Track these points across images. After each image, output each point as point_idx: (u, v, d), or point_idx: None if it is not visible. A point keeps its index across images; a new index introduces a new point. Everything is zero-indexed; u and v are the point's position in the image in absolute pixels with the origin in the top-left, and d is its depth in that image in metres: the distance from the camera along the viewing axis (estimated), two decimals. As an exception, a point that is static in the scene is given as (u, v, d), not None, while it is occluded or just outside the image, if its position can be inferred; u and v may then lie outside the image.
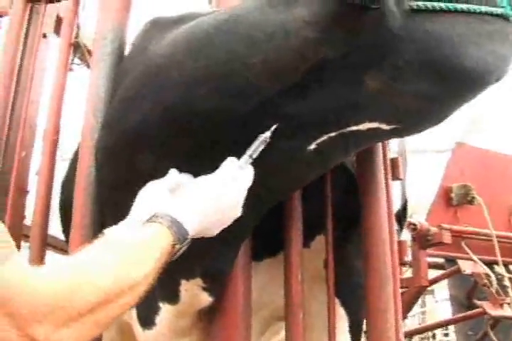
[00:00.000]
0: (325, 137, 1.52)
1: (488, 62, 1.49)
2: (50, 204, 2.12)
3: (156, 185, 1.42)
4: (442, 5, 1.44)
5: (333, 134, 1.52)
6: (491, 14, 1.51)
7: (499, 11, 1.53)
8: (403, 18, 1.32)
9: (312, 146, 1.52)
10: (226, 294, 1.64)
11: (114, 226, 1.35)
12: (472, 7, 1.47)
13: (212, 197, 1.36)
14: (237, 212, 1.41)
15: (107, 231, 1.34)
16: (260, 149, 1.44)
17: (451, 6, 1.44)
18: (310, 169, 1.60)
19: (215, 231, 1.40)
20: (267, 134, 1.44)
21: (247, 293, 1.66)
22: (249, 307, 1.66)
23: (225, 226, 1.41)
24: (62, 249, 2.58)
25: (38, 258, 2.02)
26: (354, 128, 1.52)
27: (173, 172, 1.44)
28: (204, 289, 1.66)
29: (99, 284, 1.09)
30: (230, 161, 1.41)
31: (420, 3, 1.41)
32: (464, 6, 1.46)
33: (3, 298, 1.00)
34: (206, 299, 1.67)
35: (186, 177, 1.44)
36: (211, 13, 1.55)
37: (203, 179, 1.39)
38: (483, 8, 1.49)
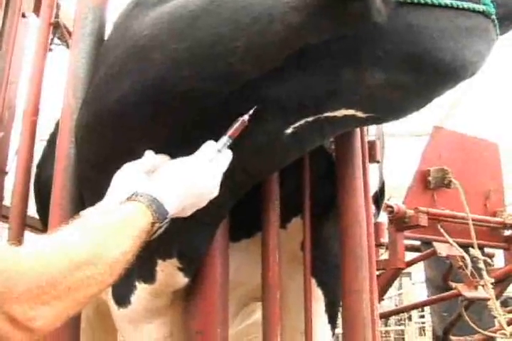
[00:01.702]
0: (302, 121, 1.54)
1: (466, 57, 1.53)
2: (29, 186, 2.13)
3: (132, 166, 1.43)
4: None
5: (310, 119, 1.54)
6: (473, 10, 1.53)
7: (481, 8, 1.55)
8: (387, 10, 1.33)
9: (289, 130, 1.54)
10: (204, 274, 1.66)
11: (90, 208, 1.36)
12: (455, 2, 1.50)
13: (188, 179, 1.37)
14: (213, 194, 1.43)
15: (83, 212, 1.35)
16: (238, 131, 1.45)
17: (435, 0, 1.46)
18: (287, 152, 1.62)
19: (188, 212, 1.42)
20: (245, 117, 1.45)
21: (225, 273, 1.68)
22: (227, 287, 1.68)
23: (200, 207, 1.42)
24: (41, 229, 2.58)
25: (17, 239, 2.02)
26: (330, 114, 1.55)
27: (149, 153, 1.46)
28: (180, 269, 1.67)
29: (77, 262, 1.09)
30: (209, 144, 1.42)
31: None
32: (448, 1, 1.49)
33: None
34: (181, 279, 1.69)
35: (163, 159, 1.46)
36: None
37: (180, 160, 1.41)
38: (466, 4, 1.52)
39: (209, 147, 1.42)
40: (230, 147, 1.46)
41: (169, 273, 1.67)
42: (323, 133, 1.65)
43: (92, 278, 1.11)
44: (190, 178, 1.37)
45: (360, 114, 1.58)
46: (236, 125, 1.45)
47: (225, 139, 1.44)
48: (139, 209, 1.25)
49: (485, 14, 1.57)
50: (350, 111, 1.56)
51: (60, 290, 1.05)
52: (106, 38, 1.83)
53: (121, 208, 1.26)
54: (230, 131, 1.45)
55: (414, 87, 1.54)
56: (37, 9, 2.57)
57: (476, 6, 1.55)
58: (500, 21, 1.63)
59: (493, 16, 1.60)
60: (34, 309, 1.02)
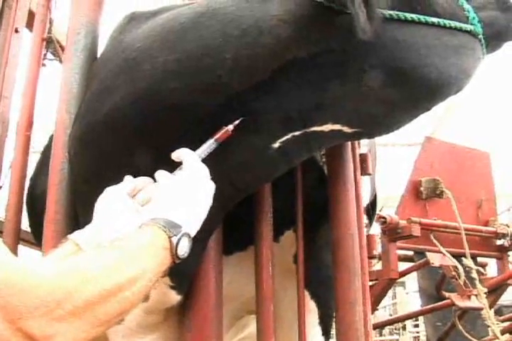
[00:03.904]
0: (289, 136, 1.55)
1: (451, 74, 1.55)
2: (22, 200, 2.13)
3: (113, 190, 1.43)
4: (414, 16, 1.48)
5: (296, 133, 1.55)
6: (460, 29, 1.56)
7: (469, 27, 1.58)
8: (372, 27, 1.34)
9: (276, 145, 1.55)
10: (198, 288, 1.65)
11: (79, 231, 1.37)
12: (443, 21, 1.52)
13: (187, 193, 1.37)
14: (210, 202, 1.42)
15: (72, 235, 1.36)
16: (220, 140, 1.46)
17: (422, 18, 1.49)
18: (273, 167, 1.63)
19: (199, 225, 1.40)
20: (230, 126, 1.46)
21: (219, 287, 1.68)
22: (221, 300, 1.68)
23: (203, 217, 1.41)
24: (35, 243, 2.57)
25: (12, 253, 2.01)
26: (317, 128, 1.56)
27: (128, 178, 1.46)
28: (172, 287, 1.66)
29: (95, 279, 1.06)
30: (187, 152, 1.42)
31: (392, 13, 1.45)
32: (435, 20, 1.51)
33: None
34: (174, 297, 1.68)
35: (143, 181, 1.47)
36: (186, 5, 1.57)
37: (173, 178, 1.40)
38: (453, 23, 1.54)
39: (191, 156, 1.42)
40: (216, 159, 1.46)
41: (161, 291, 1.65)
42: (310, 148, 1.66)
43: (112, 297, 1.08)
44: (189, 191, 1.37)
45: (346, 129, 1.59)
46: (219, 134, 1.46)
47: (205, 146, 1.45)
48: (151, 230, 1.24)
49: (472, 34, 1.60)
50: (337, 126, 1.58)
51: (79, 308, 1.02)
52: (99, 52, 1.85)
53: (135, 234, 1.25)
54: (212, 140, 1.46)
55: (400, 102, 1.56)
56: (30, 24, 2.58)
57: (464, 26, 1.57)
58: (488, 41, 1.65)
59: (480, 36, 1.62)
60: (51, 325, 0.98)
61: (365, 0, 1.31)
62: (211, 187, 1.43)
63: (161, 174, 1.42)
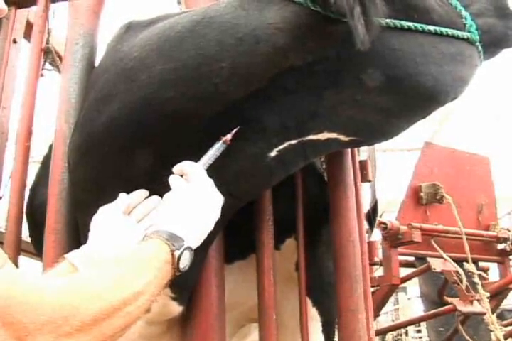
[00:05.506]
0: (286, 144, 1.55)
1: (447, 82, 1.55)
2: (23, 211, 2.12)
3: (108, 209, 1.43)
4: (411, 24, 1.48)
5: (293, 142, 1.56)
6: (457, 37, 1.56)
7: (466, 35, 1.58)
8: (372, 36, 1.33)
9: (273, 153, 1.55)
10: (200, 297, 1.65)
11: (76, 250, 1.36)
12: (439, 29, 1.52)
13: (193, 205, 1.37)
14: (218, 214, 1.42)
15: (68, 255, 1.35)
16: (220, 151, 1.46)
17: (419, 26, 1.48)
18: (271, 175, 1.62)
19: (203, 237, 1.40)
20: (228, 136, 1.46)
21: (221, 296, 1.67)
22: (223, 309, 1.68)
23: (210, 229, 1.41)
24: (36, 254, 2.57)
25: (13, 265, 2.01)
26: (313, 137, 1.56)
27: (122, 195, 1.46)
28: (173, 299, 1.65)
29: (101, 295, 1.07)
30: (190, 164, 1.42)
31: (389, 21, 1.44)
32: (432, 28, 1.51)
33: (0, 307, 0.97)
34: (175, 308, 1.67)
35: (138, 196, 1.46)
36: (183, 13, 1.57)
37: (178, 190, 1.40)
38: (450, 31, 1.54)
39: (196, 169, 1.42)
40: (215, 170, 1.46)
41: (162, 303, 1.65)
42: (306, 156, 1.66)
43: (117, 311, 1.08)
44: (195, 204, 1.37)
45: (342, 138, 1.60)
46: (217, 145, 1.46)
47: (206, 157, 1.45)
48: (154, 243, 1.24)
49: (469, 41, 1.60)
50: (333, 135, 1.58)
51: (86, 323, 1.02)
52: (97, 62, 1.85)
53: (137, 247, 1.26)
54: (212, 151, 1.46)
55: (396, 110, 1.56)
56: (28, 35, 2.57)
57: (461, 33, 1.57)
58: (485, 48, 1.65)
59: (478, 43, 1.62)
60: None
61: (363, 11, 1.31)
62: (219, 199, 1.42)
63: (174, 178, 1.42)
